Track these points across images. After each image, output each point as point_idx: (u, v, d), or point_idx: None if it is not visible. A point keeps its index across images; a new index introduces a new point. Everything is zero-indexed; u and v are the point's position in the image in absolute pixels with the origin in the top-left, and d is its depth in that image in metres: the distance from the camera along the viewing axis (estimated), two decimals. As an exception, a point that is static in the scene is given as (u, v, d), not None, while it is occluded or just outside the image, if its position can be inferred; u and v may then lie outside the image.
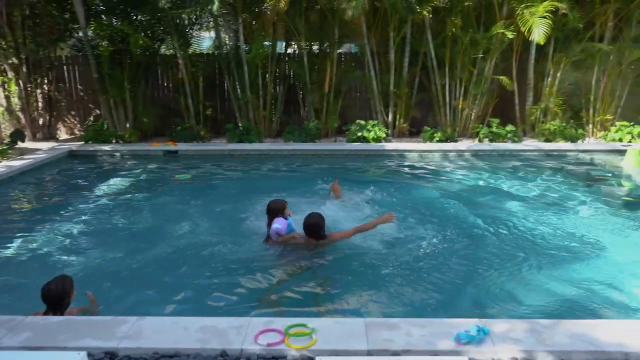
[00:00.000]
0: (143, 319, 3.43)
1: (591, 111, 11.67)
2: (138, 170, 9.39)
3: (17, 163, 8.85)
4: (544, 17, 9.55)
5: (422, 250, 5.12)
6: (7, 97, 11.88)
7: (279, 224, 5.03)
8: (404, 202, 7.08)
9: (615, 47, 10.98)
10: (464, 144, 10.44)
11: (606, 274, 4.60)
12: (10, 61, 11.55)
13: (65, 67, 12.68)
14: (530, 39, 9.76)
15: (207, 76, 12.04)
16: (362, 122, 10.89)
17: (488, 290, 4.29)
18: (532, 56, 11.36)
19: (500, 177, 8.49)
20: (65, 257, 5.27)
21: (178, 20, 10.79)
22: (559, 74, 11.40)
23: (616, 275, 4.57)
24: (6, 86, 11.72)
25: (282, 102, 12.28)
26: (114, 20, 10.76)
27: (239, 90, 11.61)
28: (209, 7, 9.41)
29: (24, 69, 11.68)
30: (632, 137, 10.64)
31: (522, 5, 9.85)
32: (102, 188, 8.23)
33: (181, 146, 10.58)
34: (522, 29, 9.78)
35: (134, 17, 11.21)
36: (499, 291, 4.29)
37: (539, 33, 9.49)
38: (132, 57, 11.18)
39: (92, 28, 10.63)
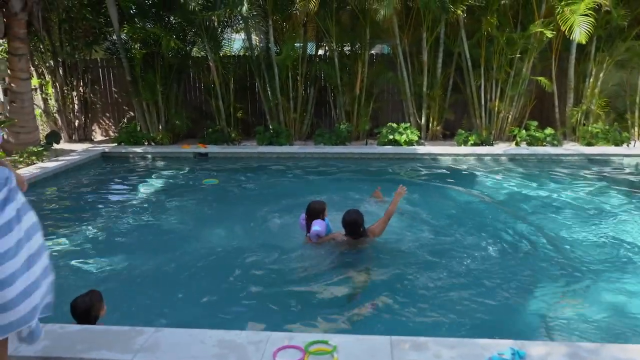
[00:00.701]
0: (160, 330, 3.33)
1: (636, 113, 11.10)
2: (169, 172, 9.41)
3: (51, 164, 8.99)
4: (586, 15, 9.10)
5: (454, 262, 4.88)
6: (45, 100, 12.15)
7: (318, 225, 4.97)
8: (437, 208, 6.86)
9: (664, 45, 10.42)
10: (500, 148, 10.07)
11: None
12: (47, 64, 11.81)
13: (100, 69, 12.89)
14: (571, 38, 9.32)
15: (237, 78, 12.02)
16: (394, 125, 10.65)
17: (524, 309, 4.03)
18: (573, 56, 10.89)
19: (539, 184, 8.12)
20: (92, 262, 5.26)
21: (208, 23, 10.78)
22: (601, 75, 10.89)
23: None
24: (44, 89, 11.98)
25: (312, 105, 12.14)
26: (146, 23, 10.82)
27: (269, 92, 11.54)
28: (239, 9, 9.35)
29: (61, 72, 11.92)
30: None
31: (562, 3, 9.41)
32: (133, 191, 8.29)
33: (211, 148, 10.58)
34: (563, 27, 9.35)
35: (166, 19, 11.29)
36: (537, 309, 4.01)
37: (580, 32, 9.05)
38: (164, 60, 11.25)
39: (125, 31, 10.72)
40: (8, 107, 10.55)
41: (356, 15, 11.15)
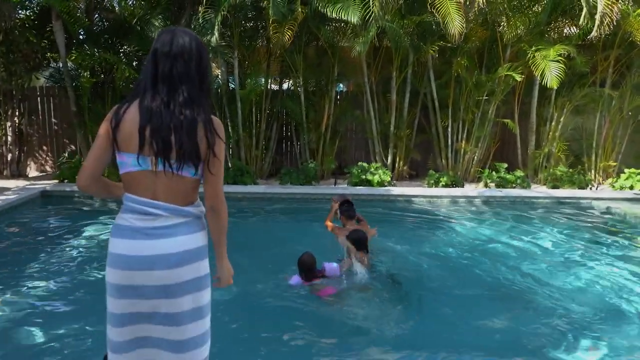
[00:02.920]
0: None
1: (593, 157, 11.42)
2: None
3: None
4: (556, 61, 9.26)
5: (438, 309, 4.65)
6: (-27, 130, 10.77)
7: (327, 266, 4.94)
8: (416, 252, 6.44)
9: (619, 93, 10.84)
10: (474, 190, 9.92)
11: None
12: (-22, 91, 10.52)
13: (39, 98, 11.66)
14: (542, 83, 9.43)
15: (196, 112, 11.23)
16: (365, 164, 10.26)
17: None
18: (535, 99, 11.09)
19: (516, 227, 7.93)
20: (32, 321, 4.31)
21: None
22: (562, 119, 11.14)
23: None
24: (-28, 118, 10.64)
25: (275, 141, 11.57)
26: (97, 50, 9.87)
27: (230, 128, 10.86)
28: (207, 39, 8.72)
29: (-7, 100, 10.65)
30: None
31: (533, 49, 9.56)
32: (79, 237, 7.20)
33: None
34: (535, 72, 9.47)
35: (120, 47, 10.41)
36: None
37: (551, 77, 9.17)
38: (115, 90, 10.31)
39: (72, 58, 9.71)
40: None
41: (324, 50, 10.83)
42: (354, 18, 9.01)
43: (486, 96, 10.72)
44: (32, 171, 11.85)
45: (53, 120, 11.79)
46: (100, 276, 5.53)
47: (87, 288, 5.23)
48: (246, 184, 9.99)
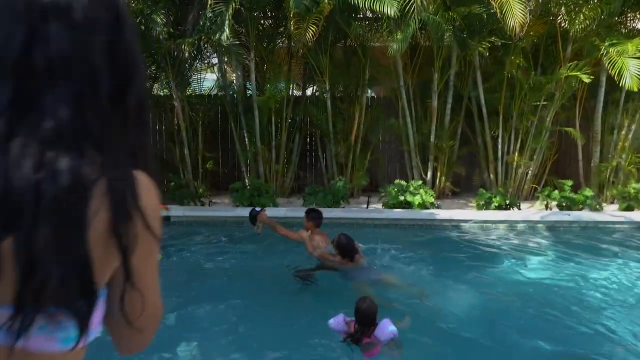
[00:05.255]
0: None
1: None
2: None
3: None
4: (637, 58, 7.67)
5: None
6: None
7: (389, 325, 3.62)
8: (474, 293, 5.24)
9: None
10: (536, 214, 8.32)
11: None
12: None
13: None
14: (621, 84, 7.82)
15: (207, 122, 9.93)
16: (403, 182, 8.75)
17: None
18: (601, 105, 9.45)
19: (594, 260, 6.41)
20: None
21: (175, 54, 8.71)
22: (633, 126, 9.49)
23: None
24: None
25: (297, 155, 10.17)
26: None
27: (246, 139, 9.51)
28: (217, 37, 7.36)
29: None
30: None
31: (607, 43, 7.97)
32: None
33: (174, 210, 8.32)
34: (612, 72, 7.87)
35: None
36: None
37: (631, 77, 7.58)
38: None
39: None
40: None
41: (354, 50, 9.42)
42: (390, 10, 7.59)
43: (544, 101, 9.16)
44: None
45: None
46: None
47: None
48: (264, 206, 8.57)
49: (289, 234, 5.92)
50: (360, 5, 7.72)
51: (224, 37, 7.32)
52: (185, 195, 9.07)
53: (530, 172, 9.81)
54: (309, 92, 10.27)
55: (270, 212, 8.20)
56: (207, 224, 8.06)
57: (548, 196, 8.83)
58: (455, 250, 7.07)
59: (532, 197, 9.77)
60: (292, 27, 7.80)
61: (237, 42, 8.28)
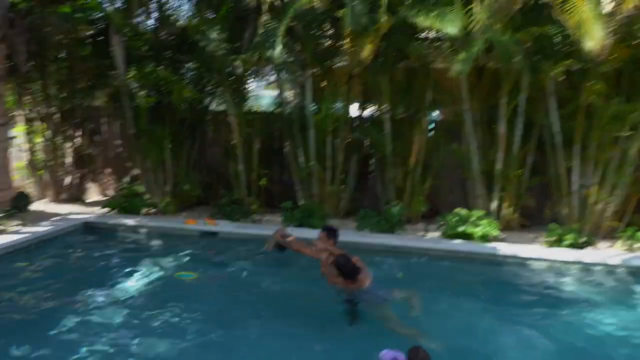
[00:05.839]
0: None
1: None
2: (167, 259, 7.05)
3: (4, 240, 6.72)
4: None
5: None
6: (32, 151, 10.12)
7: None
8: (537, 344, 4.74)
9: None
10: (616, 256, 7.38)
11: None
12: (37, 109, 9.87)
13: (102, 118, 10.90)
14: None
15: (264, 139, 9.84)
16: (464, 211, 8.14)
17: None
18: (695, 137, 8.37)
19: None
20: None
21: (231, 69, 8.70)
22: None
23: None
24: (31, 138, 10.01)
25: (354, 176, 9.82)
26: (158, 67, 8.79)
27: (301, 158, 9.30)
28: (270, 53, 7.25)
29: (54, 119, 9.93)
30: None
31: None
32: (114, 283, 6.03)
33: (224, 226, 8.25)
34: None
35: (183, 64, 9.31)
36: None
37: None
38: (175, 112, 9.19)
39: (131, 75, 8.70)
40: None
41: (415, 71, 8.99)
42: (451, 29, 7.13)
43: (629, 131, 8.24)
44: (93, 195, 11.04)
45: (117, 141, 10.95)
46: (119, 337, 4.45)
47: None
48: (314, 228, 8.27)
49: (304, 250, 5.81)
50: (421, 24, 7.32)
51: (276, 53, 7.18)
52: (237, 211, 8.98)
53: (610, 208, 8.83)
54: (367, 112, 9.93)
55: (316, 234, 7.95)
56: (255, 241, 7.87)
57: (632, 237, 7.87)
58: (519, 291, 6.45)
59: (611, 237, 8.77)
60: (348, 45, 7.52)
61: (292, 60, 8.11)
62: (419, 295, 5.22)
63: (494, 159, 8.99)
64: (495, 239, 7.91)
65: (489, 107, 9.09)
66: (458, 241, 7.83)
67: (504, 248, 7.58)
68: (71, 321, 4.95)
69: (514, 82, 8.58)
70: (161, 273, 6.40)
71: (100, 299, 5.50)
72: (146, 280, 6.17)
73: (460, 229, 7.86)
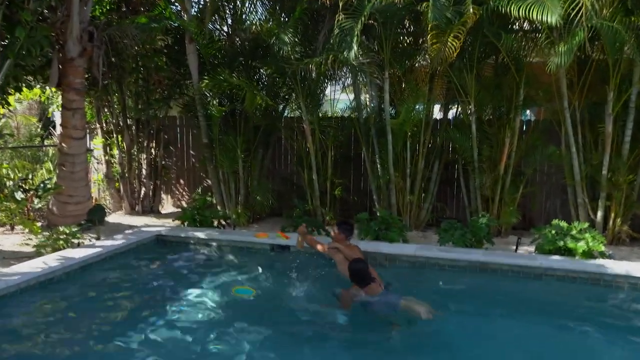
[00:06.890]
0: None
1: None
2: (235, 272, 6.76)
3: (79, 254, 6.65)
4: None
5: None
6: (108, 162, 10.26)
7: None
8: None
9: None
10: None
11: None
12: (114, 121, 9.99)
13: (177, 128, 10.90)
14: None
15: (339, 146, 9.33)
16: (564, 223, 7.15)
17: None
18: None
19: None
20: None
21: (305, 74, 8.27)
22: None
23: None
24: (108, 149, 10.14)
25: (436, 184, 9.07)
26: (228, 74, 8.53)
27: (379, 166, 8.70)
28: (345, 54, 6.71)
29: (131, 130, 10.00)
30: None
31: None
32: (182, 299, 5.77)
33: (295, 239, 7.77)
34: None
35: (256, 71, 9.03)
36: None
37: None
38: (248, 120, 8.91)
39: (203, 84, 8.52)
40: (57, 172, 8.66)
41: (505, 67, 8.13)
42: (552, 18, 6.26)
43: None
44: (168, 207, 11.05)
45: (191, 152, 10.90)
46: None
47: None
48: (392, 241, 7.63)
49: (323, 249, 5.88)
50: (514, 14, 6.50)
51: (352, 54, 6.63)
52: (310, 223, 8.49)
53: None
54: (451, 114, 9.14)
55: (396, 248, 7.31)
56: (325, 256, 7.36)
57: None
58: (632, 317, 5.45)
59: None
60: (429, 42, 6.83)
61: (369, 60, 7.53)
62: (429, 308, 4.89)
63: (599, 163, 7.91)
64: (602, 255, 6.85)
65: (593, 103, 8.05)
66: (556, 257, 6.84)
67: (614, 266, 6.50)
68: (136, 338, 4.71)
69: (624, 75, 7.50)
70: (224, 289, 6.07)
71: (160, 321, 5.22)
72: (208, 297, 5.86)
73: (559, 243, 6.87)
